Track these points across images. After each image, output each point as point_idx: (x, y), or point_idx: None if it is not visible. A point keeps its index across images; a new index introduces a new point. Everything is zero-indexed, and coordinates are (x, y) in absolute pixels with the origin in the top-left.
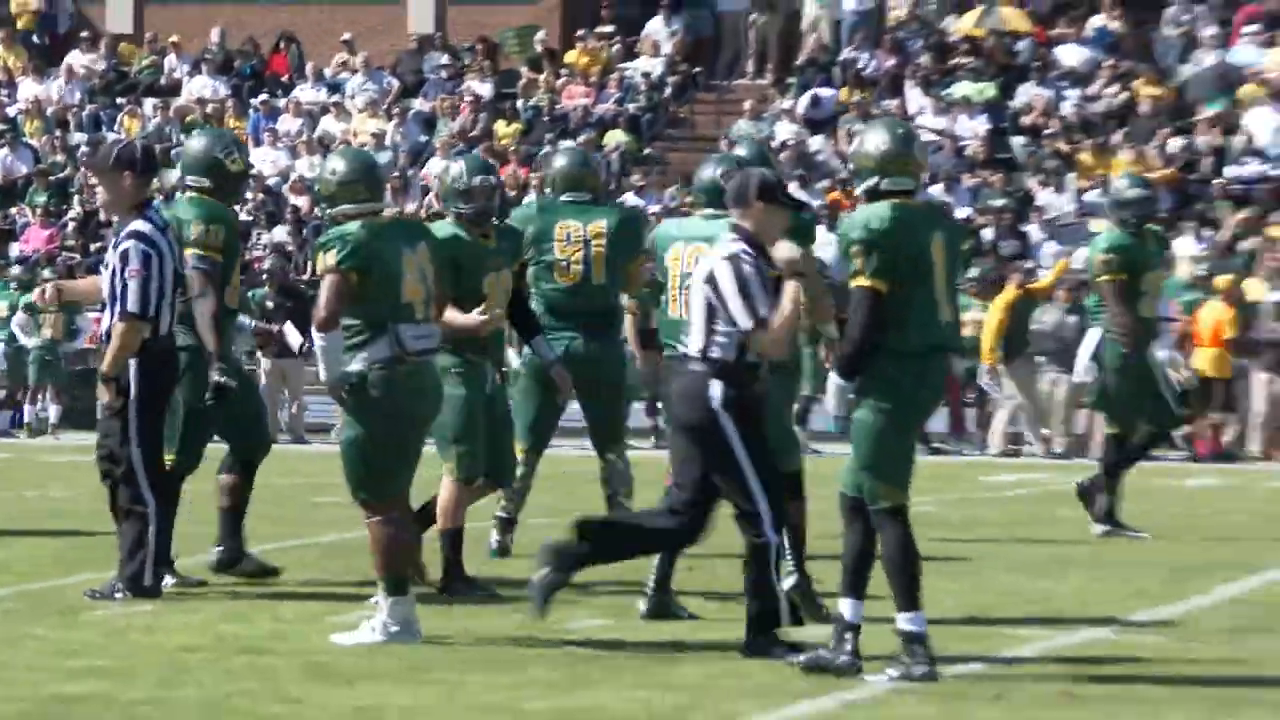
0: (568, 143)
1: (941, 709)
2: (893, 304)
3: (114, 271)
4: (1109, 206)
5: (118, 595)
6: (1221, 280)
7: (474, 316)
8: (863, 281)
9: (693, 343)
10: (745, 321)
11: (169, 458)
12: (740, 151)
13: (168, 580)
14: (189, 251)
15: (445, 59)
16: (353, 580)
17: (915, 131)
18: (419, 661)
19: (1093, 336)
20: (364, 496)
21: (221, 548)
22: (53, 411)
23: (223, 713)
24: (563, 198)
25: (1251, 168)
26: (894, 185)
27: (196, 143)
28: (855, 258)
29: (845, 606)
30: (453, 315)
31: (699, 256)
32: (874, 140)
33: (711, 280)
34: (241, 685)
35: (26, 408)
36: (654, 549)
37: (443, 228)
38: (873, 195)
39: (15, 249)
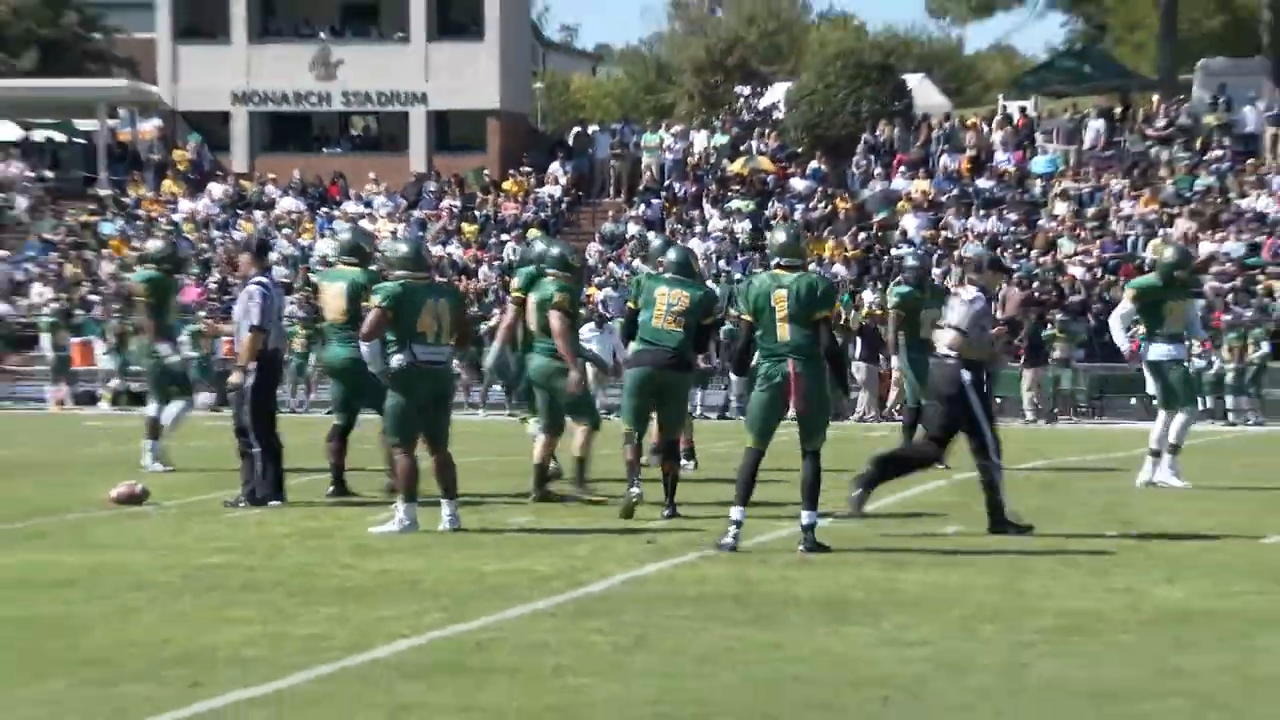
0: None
1: (729, 568)
2: (758, 329)
3: (242, 306)
4: (905, 268)
5: (240, 504)
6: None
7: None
8: (741, 316)
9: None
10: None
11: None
12: (657, 242)
13: (273, 502)
14: (365, 304)
15: (433, 186)
16: (384, 495)
17: (803, 230)
18: (421, 543)
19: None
20: (394, 441)
21: (333, 486)
22: (205, 396)
23: (304, 573)
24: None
25: (905, 251)
26: (789, 263)
27: (346, 236)
28: (739, 302)
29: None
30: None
31: (680, 296)
32: (778, 236)
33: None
34: (315, 558)
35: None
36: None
37: (553, 284)
38: (778, 267)
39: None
